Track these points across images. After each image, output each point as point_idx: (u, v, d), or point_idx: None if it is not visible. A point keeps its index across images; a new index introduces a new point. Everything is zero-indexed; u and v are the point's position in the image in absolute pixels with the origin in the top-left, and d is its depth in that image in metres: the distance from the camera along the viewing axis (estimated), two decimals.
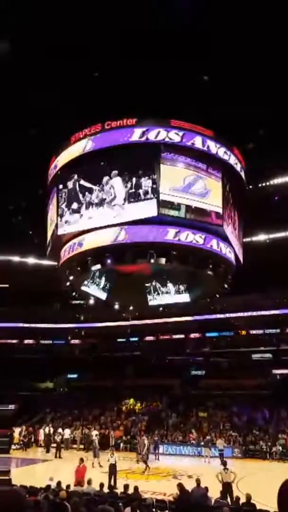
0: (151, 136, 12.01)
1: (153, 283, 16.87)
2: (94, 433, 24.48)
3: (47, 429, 25.04)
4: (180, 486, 9.70)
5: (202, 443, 22.45)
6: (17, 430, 25.60)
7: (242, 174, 14.09)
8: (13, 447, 24.45)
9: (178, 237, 12.67)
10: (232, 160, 13.35)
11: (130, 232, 12.47)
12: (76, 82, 13.56)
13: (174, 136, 12.08)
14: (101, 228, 12.67)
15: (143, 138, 12.01)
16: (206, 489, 10.12)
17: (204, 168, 12.53)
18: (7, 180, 17.51)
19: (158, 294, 16.97)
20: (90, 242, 13.06)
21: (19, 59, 12.49)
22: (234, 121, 14.42)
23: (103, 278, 16.25)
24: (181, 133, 12.16)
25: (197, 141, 12.37)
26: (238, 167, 13.72)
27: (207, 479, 11.91)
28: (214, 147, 12.67)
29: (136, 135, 12.02)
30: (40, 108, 14.06)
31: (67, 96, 13.72)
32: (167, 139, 12.03)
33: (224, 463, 12.86)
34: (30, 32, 11.92)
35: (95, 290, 16.41)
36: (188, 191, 12.17)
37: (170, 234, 12.62)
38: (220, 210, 12.63)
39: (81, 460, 13.57)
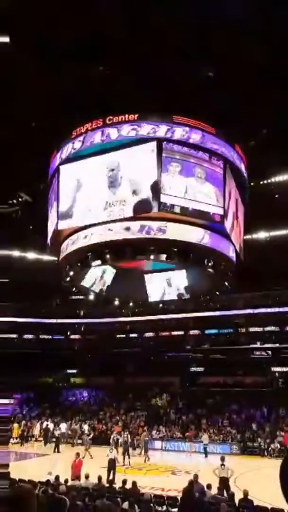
0: (154, 131, 11.92)
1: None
2: (85, 427, 24.82)
3: (45, 424, 25.17)
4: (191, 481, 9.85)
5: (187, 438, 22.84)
6: (15, 425, 25.73)
7: (244, 171, 14.02)
8: (11, 441, 24.58)
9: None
10: (234, 156, 13.28)
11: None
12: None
13: (177, 132, 11.98)
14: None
15: (146, 134, 11.93)
16: (208, 486, 10.17)
17: (207, 158, 12.37)
18: (8, 173, 17.43)
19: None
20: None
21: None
22: (237, 117, 14.32)
23: (103, 274, 16.23)
24: (184, 129, 12.07)
25: (199, 137, 12.29)
26: (240, 164, 13.65)
27: (205, 475, 11.99)
28: (216, 144, 12.59)
29: (138, 130, 11.93)
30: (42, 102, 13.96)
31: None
32: (169, 135, 11.95)
33: (221, 459, 13.01)
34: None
35: (95, 285, 16.39)
36: (188, 190, 12.01)
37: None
38: (221, 211, 12.51)
39: (77, 454, 13.65)
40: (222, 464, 12.58)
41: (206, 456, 21.00)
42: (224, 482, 11.80)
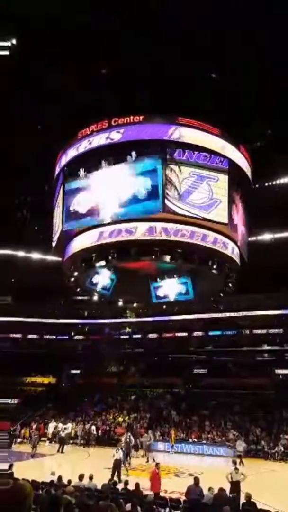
0: (158, 133, 11.93)
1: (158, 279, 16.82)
2: (92, 427, 24.84)
3: (50, 425, 25.18)
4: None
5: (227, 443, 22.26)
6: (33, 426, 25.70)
7: (249, 172, 14.00)
8: (19, 440, 24.72)
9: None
10: (239, 158, 13.25)
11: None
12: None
13: (181, 134, 11.97)
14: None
15: (150, 135, 11.94)
16: (221, 492, 10.00)
17: (210, 159, 12.32)
18: (14, 175, 17.54)
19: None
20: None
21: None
22: (242, 119, 14.33)
23: (107, 275, 16.24)
24: (188, 131, 12.06)
25: (204, 139, 12.27)
26: (244, 165, 13.62)
27: (208, 477, 11.89)
28: (221, 145, 12.57)
29: (143, 132, 11.94)
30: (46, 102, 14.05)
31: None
32: (173, 137, 11.94)
33: (234, 462, 12.86)
34: None
35: (99, 286, 16.39)
36: (189, 200, 11.98)
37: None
38: (226, 221, 12.45)
39: (157, 465, 13.16)
40: (236, 468, 12.17)
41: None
42: (234, 487, 11.35)
